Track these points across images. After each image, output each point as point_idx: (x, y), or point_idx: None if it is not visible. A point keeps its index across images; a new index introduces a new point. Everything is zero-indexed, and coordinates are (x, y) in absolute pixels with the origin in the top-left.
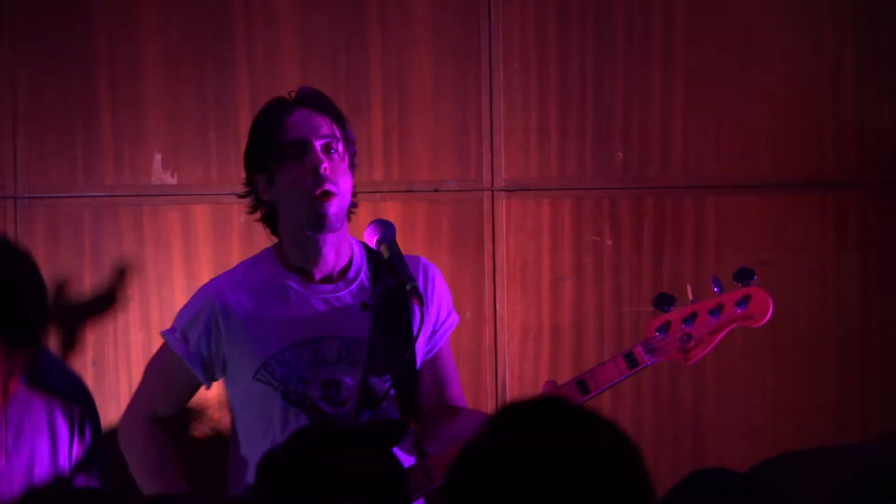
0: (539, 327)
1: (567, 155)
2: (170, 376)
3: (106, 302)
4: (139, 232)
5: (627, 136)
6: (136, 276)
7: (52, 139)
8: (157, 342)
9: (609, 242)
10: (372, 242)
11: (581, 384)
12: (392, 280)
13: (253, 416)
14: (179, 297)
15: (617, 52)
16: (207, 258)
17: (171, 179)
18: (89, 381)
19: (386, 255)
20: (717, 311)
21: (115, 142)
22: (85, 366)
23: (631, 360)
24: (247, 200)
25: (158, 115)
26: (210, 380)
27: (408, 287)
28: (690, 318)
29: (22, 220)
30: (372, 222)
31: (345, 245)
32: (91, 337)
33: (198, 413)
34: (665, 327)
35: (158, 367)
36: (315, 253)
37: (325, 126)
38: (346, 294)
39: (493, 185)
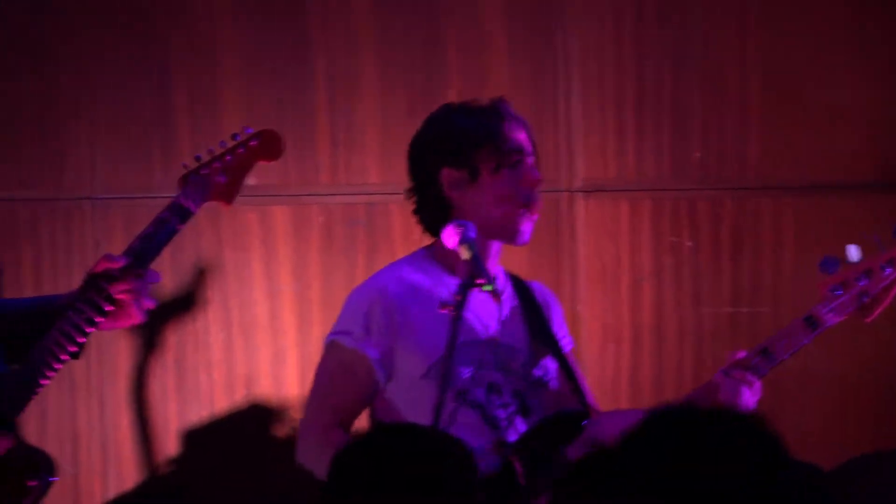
0: (619, 329)
1: (644, 155)
2: (347, 380)
3: (186, 303)
4: (218, 233)
5: (705, 137)
6: (215, 278)
7: (130, 140)
8: (238, 343)
9: (689, 244)
10: (452, 243)
11: (765, 352)
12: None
13: (421, 416)
14: (258, 298)
15: (694, 52)
16: (286, 259)
17: (249, 180)
18: (171, 381)
19: (466, 255)
20: (889, 265)
21: (192, 142)
22: (166, 366)
23: (811, 321)
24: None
25: (235, 116)
26: (387, 378)
27: (488, 287)
28: (865, 275)
29: (100, 220)
30: (451, 223)
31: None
32: (172, 337)
33: (280, 413)
34: (841, 286)
35: (334, 373)
36: (484, 257)
37: (530, 145)
38: (499, 302)
39: (571, 186)
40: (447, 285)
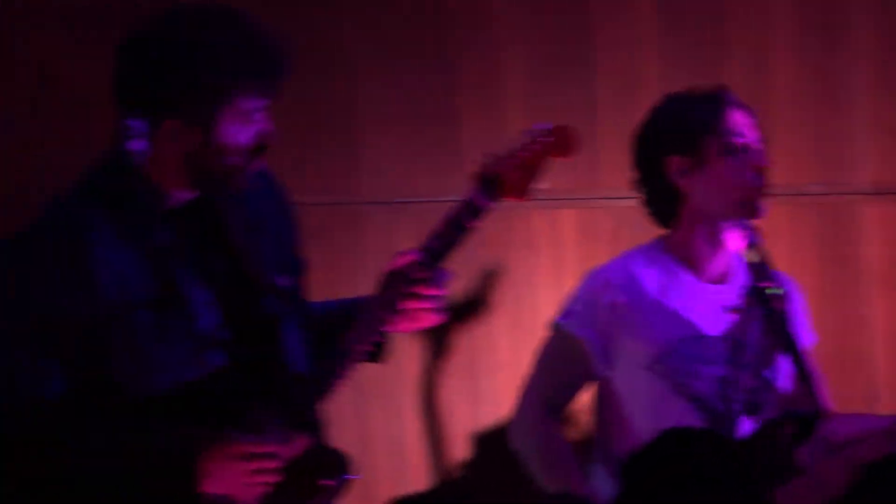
0: None
1: None
2: (565, 365)
3: (475, 306)
4: (507, 236)
5: None
6: (505, 281)
7: (419, 143)
8: (526, 346)
9: None
10: (738, 247)
11: None
12: (762, 283)
13: (641, 407)
14: (547, 302)
15: None
16: (574, 263)
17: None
18: (460, 386)
19: (754, 259)
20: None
21: (478, 145)
22: (458, 369)
23: None
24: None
25: (519, 121)
26: (606, 367)
27: (775, 291)
28: None
29: (391, 224)
30: (738, 227)
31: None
32: (462, 341)
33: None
34: None
35: (553, 356)
36: (718, 247)
37: (756, 131)
38: (732, 295)
39: (858, 188)
40: (679, 277)
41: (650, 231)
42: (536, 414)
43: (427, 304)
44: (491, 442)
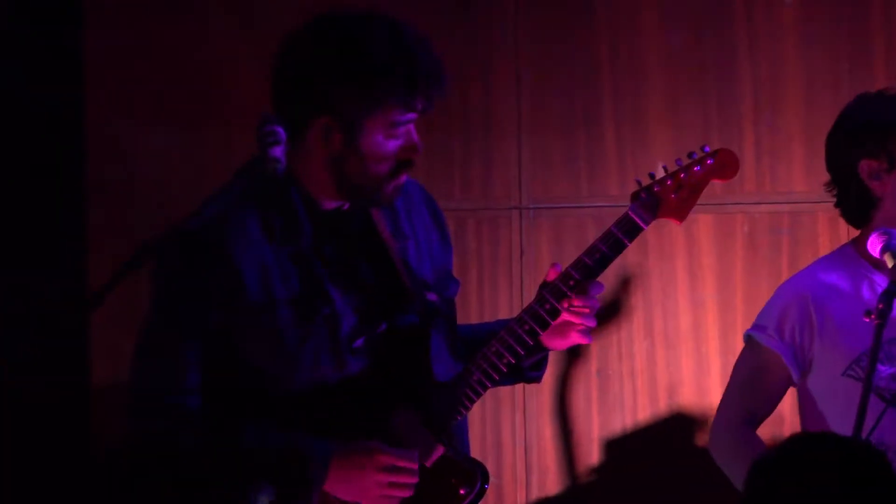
0: None
1: None
2: (763, 376)
3: (610, 311)
4: (643, 242)
5: None
6: (640, 286)
7: (557, 149)
8: (659, 352)
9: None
10: (875, 251)
11: None
12: None
13: (840, 413)
14: (682, 307)
15: None
16: (710, 269)
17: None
18: (593, 391)
19: (891, 263)
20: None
21: (618, 151)
22: (589, 375)
23: None
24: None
25: (660, 124)
26: (802, 375)
27: None
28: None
29: (527, 230)
30: (875, 230)
31: None
32: (595, 346)
33: (703, 423)
34: None
35: (749, 368)
36: None
37: None
38: None
39: None
40: (871, 281)
41: (785, 237)
42: (736, 425)
43: (579, 321)
44: (622, 448)
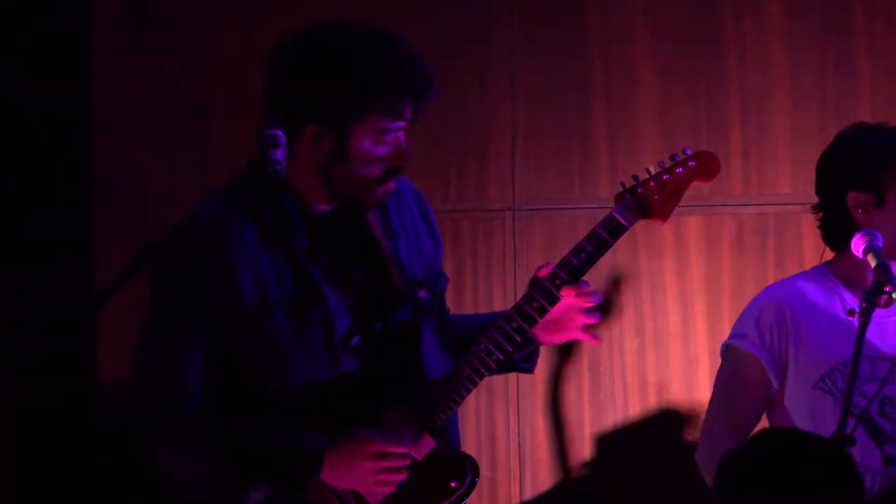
0: None
1: None
2: (745, 385)
3: (601, 310)
4: (633, 242)
5: None
6: (629, 285)
7: (550, 152)
8: (649, 349)
9: None
10: (858, 251)
11: None
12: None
13: (805, 423)
14: (671, 306)
15: None
16: (698, 268)
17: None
18: (585, 387)
19: (873, 263)
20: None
21: (609, 154)
22: (581, 372)
23: None
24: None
25: (650, 128)
26: (780, 383)
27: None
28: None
29: (520, 231)
30: (859, 231)
31: None
32: (587, 344)
33: (691, 419)
34: None
35: (731, 379)
36: (889, 278)
37: None
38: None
39: None
40: (843, 299)
41: (771, 238)
42: (725, 438)
43: (569, 318)
44: (613, 442)
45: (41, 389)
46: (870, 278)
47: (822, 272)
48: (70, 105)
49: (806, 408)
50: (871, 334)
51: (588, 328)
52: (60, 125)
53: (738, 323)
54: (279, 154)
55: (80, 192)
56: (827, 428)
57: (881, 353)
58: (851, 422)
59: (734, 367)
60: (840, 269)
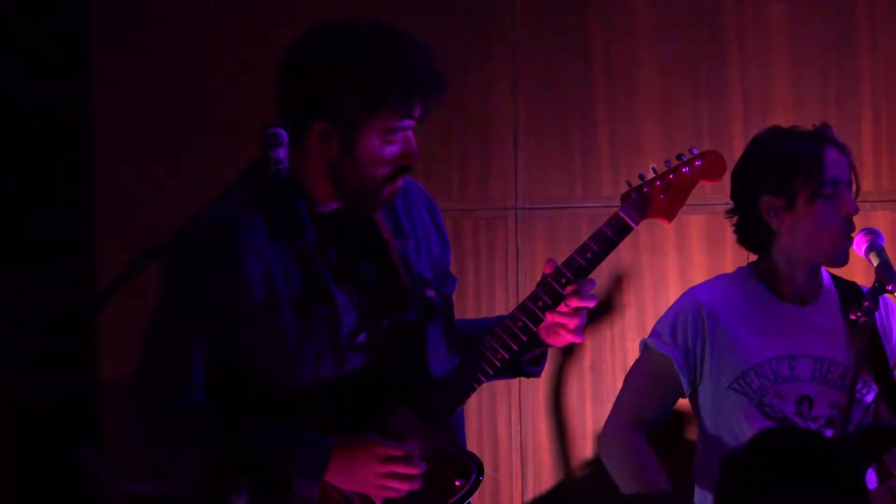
0: None
1: None
2: (656, 382)
3: (604, 308)
4: (635, 241)
5: None
6: (632, 284)
7: (552, 151)
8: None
9: None
10: (861, 250)
11: None
12: (870, 296)
13: (721, 424)
14: None
15: None
16: (701, 267)
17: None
18: (587, 386)
19: (875, 262)
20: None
21: (611, 153)
22: (583, 371)
23: None
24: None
25: (652, 127)
26: (691, 384)
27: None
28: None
29: (522, 230)
30: (861, 230)
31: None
32: (589, 342)
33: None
34: None
35: (642, 374)
36: (810, 280)
37: (849, 172)
38: (820, 315)
39: None
40: (764, 301)
41: None
42: (626, 428)
43: (565, 321)
44: None
45: (41, 389)
46: (799, 280)
47: (745, 273)
48: (70, 105)
49: (723, 408)
50: (796, 332)
51: (578, 330)
52: (60, 125)
53: (658, 322)
54: (281, 153)
55: (80, 192)
56: (740, 428)
57: (801, 353)
58: (762, 425)
59: (646, 365)
60: (762, 272)
